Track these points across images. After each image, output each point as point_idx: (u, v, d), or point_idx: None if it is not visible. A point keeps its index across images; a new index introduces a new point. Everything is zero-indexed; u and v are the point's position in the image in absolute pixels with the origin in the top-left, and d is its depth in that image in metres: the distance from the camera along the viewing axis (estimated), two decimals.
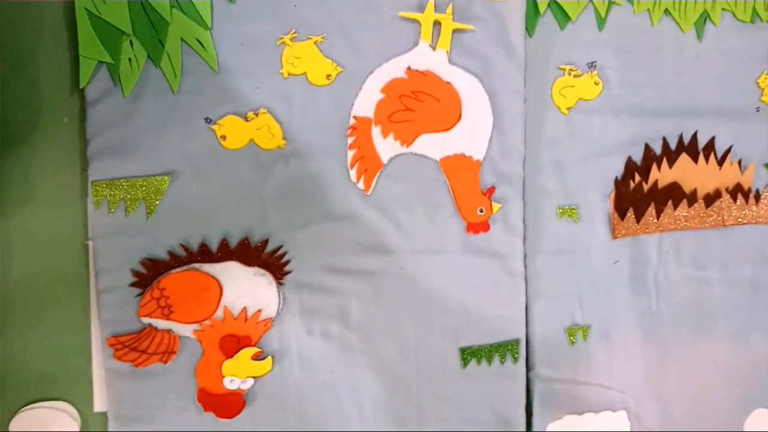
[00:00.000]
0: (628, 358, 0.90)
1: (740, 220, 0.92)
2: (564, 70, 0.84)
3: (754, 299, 0.94)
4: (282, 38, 0.74)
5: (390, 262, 0.81)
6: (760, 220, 0.93)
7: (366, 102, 0.78)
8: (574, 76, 0.84)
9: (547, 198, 0.85)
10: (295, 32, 0.75)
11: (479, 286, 0.84)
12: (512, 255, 0.84)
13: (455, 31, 0.79)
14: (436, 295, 0.83)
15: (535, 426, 0.88)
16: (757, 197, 0.92)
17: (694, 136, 0.89)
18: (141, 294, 0.74)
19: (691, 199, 0.90)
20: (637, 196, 0.88)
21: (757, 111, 0.91)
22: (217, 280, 0.76)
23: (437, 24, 0.78)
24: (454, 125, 0.81)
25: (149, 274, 0.74)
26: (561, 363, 0.88)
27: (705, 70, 0.88)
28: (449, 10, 0.78)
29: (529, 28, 0.82)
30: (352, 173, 0.78)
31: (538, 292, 0.86)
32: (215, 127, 0.73)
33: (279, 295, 0.78)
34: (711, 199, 0.89)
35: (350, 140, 0.78)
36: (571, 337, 0.88)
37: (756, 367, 0.95)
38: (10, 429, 0.74)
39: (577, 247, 0.87)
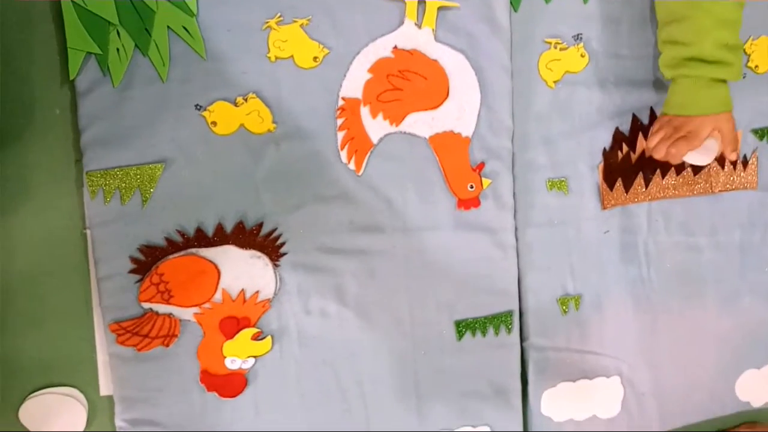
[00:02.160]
0: (620, 325, 0.92)
1: (728, 186, 0.93)
2: (550, 43, 0.84)
3: (744, 263, 0.96)
4: (268, 22, 0.75)
5: (383, 240, 0.82)
6: (748, 185, 0.94)
7: (354, 83, 0.78)
8: (560, 49, 0.85)
9: (536, 171, 0.86)
10: (280, 16, 0.75)
11: (472, 260, 0.85)
12: (503, 229, 0.86)
13: (440, 8, 0.79)
14: (429, 270, 0.84)
15: (531, 394, 0.90)
16: (745, 163, 0.93)
17: None
18: (140, 280, 0.76)
19: (679, 167, 0.91)
20: (626, 166, 0.89)
21: (744, 77, 0.92)
22: (215, 264, 0.77)
23: (422, 2, 0.78)
24: (442, 103, 0.81)
25: (148, 260, 0.75)
26: (554, 332, 0.90)
27: None
28: None
29: (514, 3, 0.82)
30: (343, 154, 0.79)
31: (530, 264, 0.88)
32: (205, 113, 0.74)
33: (276, 276, 0.79)
34: (698, 166, 0.90)
35: (340, 121, 0.79)
36: (564, 307, 0.89)
37: (746, 329, 0.98)
38: (20, 415, 0.76)
39: (568, 219, 0.88)
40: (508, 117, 0.84)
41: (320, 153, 0.78)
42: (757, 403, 1.01)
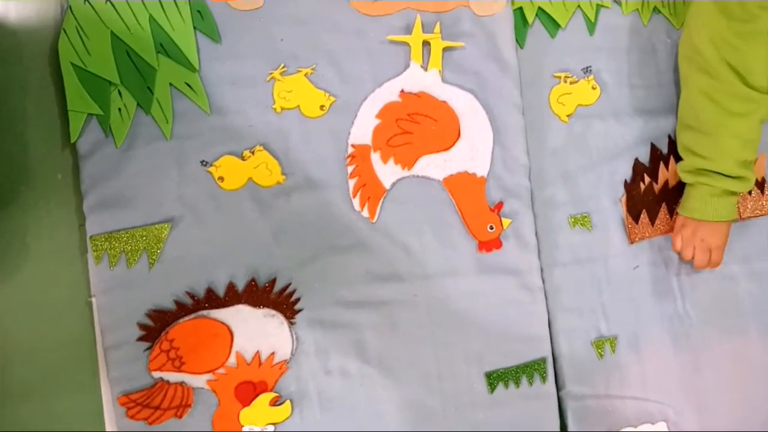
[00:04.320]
0: (661, 366, 0.87)
1: (757, 212, 0.90)
2: (559, 77, 0.83)
3: None
4: (271, 73, 0.74)
5: (403, 289, 0.78)
6: None
7: (362, 129, 0.77)
8: (571, 82, 0.83)
9: (557, 209, 0.83)
10: (284, 66, 0.74)
11: (498, 305, 0.81)
12: (528, 270, 0.82)
13: (445, 49, 0.78)
14: (454, 319, 0.80)
15: None
16: None
17: None
18: (150, 348, 0.72)
19: None
20: (649, 197, 0.86)
21: None
22: (227, 326, 0.74)
23: (426, 44, 0.78)
24: (454, 144, 0.79)
25: (156, 326, 0.72)
26: (592, 378, 0.84)
27: None
28: (437, 29, 0.78)
29: (520, 40, 0.82)
30: (356, 202, 0.76)
31: (559, 307, 0.83)
32: (212, 169, 0.72)
33: (292, 335, 0.75)
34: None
35: (350, 169, 0.76)
36: (599, 350, 0.84)
37: None
38: None
39: (594, 256, 0.84)
40: (523, 154, 0.82)
41: (332, 202, 0.76)
42: None
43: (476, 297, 0.81)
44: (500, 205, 0.81)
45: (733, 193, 0.80)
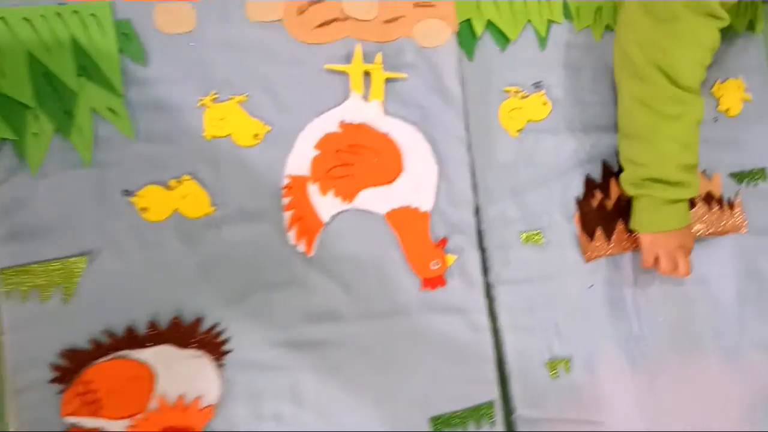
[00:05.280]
0: (617, 388, 0.84)
1: (716, 230, 0.88)
2: (509, 91, 0.81)
3: (743, 314, 0.89)
4: (202, 100, 0.70)
5: (342, 329, 0.74)
6: (738, 229, 0.89)
7: (300, 159, 0.73)
8: (521, 97, 0.81)
9: (508, 225, 0.81)
10: (216, 93, 0.71)
11: (443, 346, 0.77)
12: (474, 309, 0.79)
13: (388, 80, 0.76)
14: (397, 361, 0.76)
15: None
16: (731, 205, 0.88)
17: None
18: (63, 390, 0.66)
19: None
20: (603, 213, 0.84)
21: (715, 121, 0.89)
22: (149, 367, 0.69)
23: (367, 74, 0.75)
24: (396, 177, 0.76)
25: (71, 366, 0.67)
26: (545, 401, 0.81)
27: None
28: (378, 59, 0.75)
29: (468, 52, 0.80)
30: (291, 235, 0.73)
31: (511, 326, 0.80)
32: (135, 198, 0.68)
33: (220, 377, 0.70)
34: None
35: (285, 201, 0.73)
36: (553, 371, 0.81)
37: (755, 388, 0.89)
38: None
39: (548, 274, 0.82)
40: (468, 189, 0.79)
41: (265, 236, 0.72)
42: None
43: (420, 337, 0.77)
44: (444, 240, 0.77)
45: (680, 201, 0.78)
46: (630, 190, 0.80)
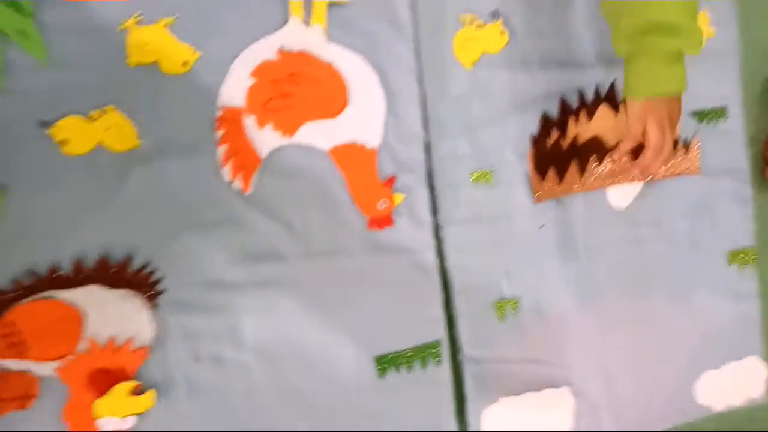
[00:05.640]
0: (565, 329, 0.83)
1: (670, 171, 0.85)
2: (465, 20, 0.76)
3: (694, 255, 0.88)
4: (125, 22, 0.64)
5: (284, 269, 0.71)
6: (691, 170, 0.86)
7: (234, 89, 0.68)
8: (477, 26, 0.76)
9: (458, 162, 0.77)
10: (140, 14, 0.64)
11: (389, 286, 0.75)
12: (422, 248, 0.76)
13: (331, 4, 0.70)
14: (342, 300, 0.74)
15: (470, 412, 0.80)
16: (686, 147, 0.86)
17: (612, 87, 0.82)
18: None
19: (616, 153, 0.81)
20: (557, 153, 0.81)
21: None
22: (77, 308, 0.66)
23: None
24: (341, 110, 0.72)
25: None
26: (492, 341, 0.80)
27: None
28: None
29: None
30: (225, 171, 0.68)
31: (458, 267, 0.78)
32: (52, 130, 0.63)
33: (153, 318, 0.68)
34: (637, 151, 0.80)
35: (219, 134, 0.68)
36: (500, 312, 0.80)
37: (702, 327, 0.89)
38: None
39: (498, 214, 0.79)
40: (418, 125, 0.75)
41: (197, 171, 0.68)
42: (718, 406, 0.92)
43: (366, 277, 0.74)
44: (393, 179, 0.74)
45: (679, 59, 0.69)
46: (622, 47, 0.69)
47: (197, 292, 0.69)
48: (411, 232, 0.75)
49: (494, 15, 0.77)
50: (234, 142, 0.68)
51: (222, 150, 0.68)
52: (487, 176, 0.78)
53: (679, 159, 0.86)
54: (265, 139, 0.69)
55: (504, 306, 0.80)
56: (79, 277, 0.65)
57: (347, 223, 0.73)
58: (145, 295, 0.68)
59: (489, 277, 0.79)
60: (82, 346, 0.66)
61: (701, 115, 0.88)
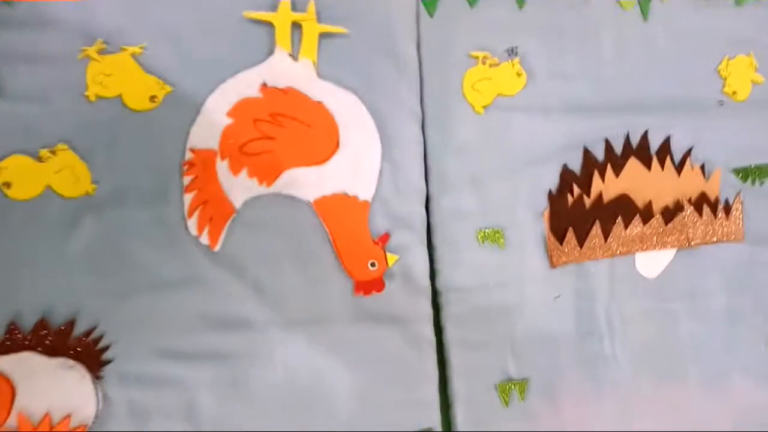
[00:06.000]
0: (580, 418, 0.73)
1: (708, 237, 0.76)
2: (477, 57, 0.69)
3: (732, 334, 0.78)
4: (85, 50, 0.57)
5: (251, 339, 0.63)
6: (733, 237, 0.77)
7: (207, 130, 0.61)
8: (490, 65, 0.69)
9: (462, 220, 0.69)
10: (103, 42, 0.58)
11: (375, 362, 0.66)
12: (416, 318, 0.67)
13: (322, 35, 0.63)
14: (319, 378, 0.65)
15: None
16: (727, 209, 0.77)
17: (645, 136, 0.74)
18: None
19: (646, 214, 0.74)
20: (578, 213, 0.72)
21: (721, 105, 0.77)
22: (7, 378, 0.58)
23: (297, 27, 0.62)
24: (330, 156, 0.64)
25: None
26: (494, 429, 0.70)
27: (654, 56, 0.74)
28: (311, 8, 0.62)
29: (429, 5, 0.67)
30: (192, 223, 0.60)
31: (458, 341, 0.68)
32: None
33: (97, 392, 0.59)
34: (671, 213, 0.74)
35: (187, 180, 0.60)
36: (505, 396, 0.70)
37: (736, 414, 0.78)
38: None
39: (506, 280, 0.70)
40: (418, 175, 0.67)
41: (159, 222, 0.60)
42: None
43: (349, 351, 0.65)
44: (386, 236, 0.65)
45: None
46: None
47: (149, 363, 0.60)
48: (404, 298, 0.66)
49: (511, 53, 0.70)
50: (203, 190, 0.60)
51: (189, 198, 0.60)
52: (496, 236, 0.70)
53: (719, 223, 0.76)
54: (240, 186, 0.62)
55: (509, 388, 0.70)
56: (11, 341, 0.57)
57: (329, 287, 0.64)
58: (89, 365, 0.59)
59: (493, 354, 0.70)
60: (11, 421, 0.58)
61: (745, 174, 0.78)
